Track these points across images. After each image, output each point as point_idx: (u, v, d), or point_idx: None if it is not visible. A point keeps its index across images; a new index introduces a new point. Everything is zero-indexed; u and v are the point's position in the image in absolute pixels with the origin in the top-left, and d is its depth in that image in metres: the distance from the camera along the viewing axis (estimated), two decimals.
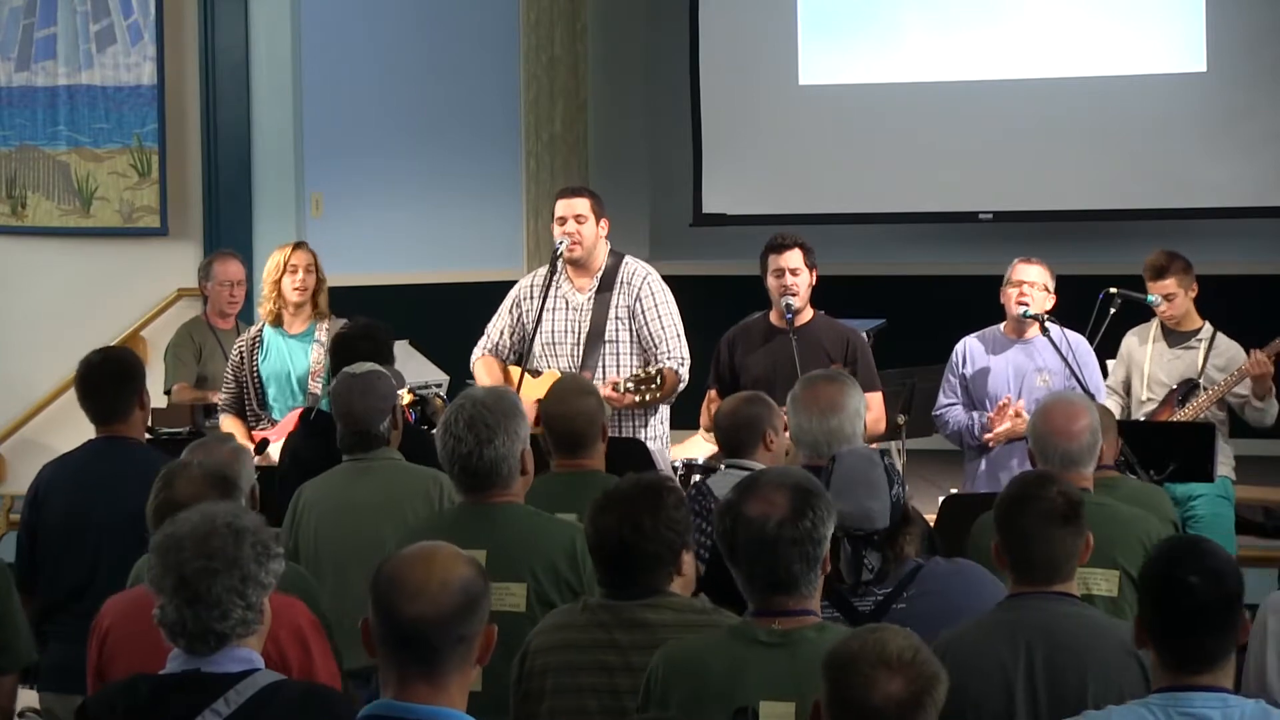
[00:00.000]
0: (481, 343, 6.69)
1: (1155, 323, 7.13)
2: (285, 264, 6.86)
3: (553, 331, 6.52)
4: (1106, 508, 4.51)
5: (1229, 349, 7.04)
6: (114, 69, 9.37)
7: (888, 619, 3.72)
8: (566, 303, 6.54)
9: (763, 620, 3.35)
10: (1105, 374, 7.03)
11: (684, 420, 6.95)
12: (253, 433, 6.73)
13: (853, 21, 10.62)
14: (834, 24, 10.65)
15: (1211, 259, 8.80)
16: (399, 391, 5.45)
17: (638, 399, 6.19)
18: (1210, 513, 6.79)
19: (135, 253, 9.46)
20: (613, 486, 3.77)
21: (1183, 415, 6.92)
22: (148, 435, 5.54)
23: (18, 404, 9.48)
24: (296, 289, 6.85)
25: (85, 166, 9.47)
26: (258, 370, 6.87)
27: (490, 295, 6.83)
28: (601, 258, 6.56)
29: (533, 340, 6.47)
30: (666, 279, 6.66)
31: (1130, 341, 7.19)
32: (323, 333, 6.87)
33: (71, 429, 6.89)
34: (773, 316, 6.58)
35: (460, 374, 6.81)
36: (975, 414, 6.70)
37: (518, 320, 6.62)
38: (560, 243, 6.45)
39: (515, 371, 6.57)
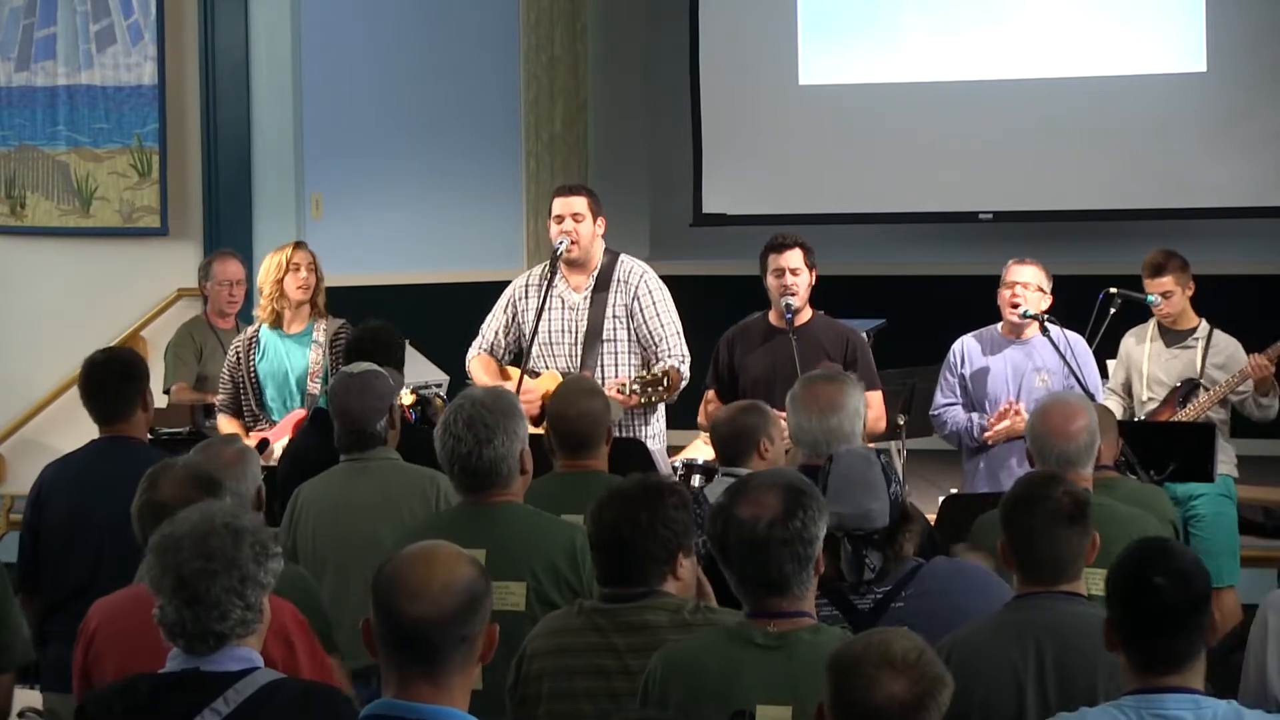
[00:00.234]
0: (477, 342, 6.69)
1: (1152, 323, 7.13)
2: (288, 263, 6.87)
3: (549, 331, 6.52)
4: (1106, 508, 4.50)
5: (1227, 346, 7.04)
6: (114, 69, 9.37)
7: (886, 618, 3.73)
8: (563, 302, 6.53)
9: (757, 622, 3.35)
10: (1105, 374, 7.03)
11: (683, 420, 6.95)
12: (251, 433, 6.72)
13: (853, 21, 10.62)
14: (834, 24, 10.65)
15: (1211, 259, 8.81)
16: (400, 392, 5.46)
17: (643, 400, 6.20)
18: (1212, 511, 6.79)
19: (135, 253, 9.46)
20: (618, 484, 3.78)
21: (1184, 416, 6.92)
22: (147, 435, 5.54)
23: (18, 404, 9.48)
24: (299, 288, 6.86)
25: (85, 166, 9.47)
26: (255, 370, 6.87)
27: (490, 295, 6.83)
28: (597, 257, 6.56)
29: (532, 340, 6.46)
30: (666, 279, 6.67)
31: (1128, 343, 7.19)
32: (320, 332, 6.87)
33: (71, 429, 6.91)
34: (772, 316, 6.58)
35: (461, 374, 6.82)
36: (974, 415, 6.70)
37: (513, 319, 6.62)
38: (560, 243, 6.45)
39: (513, 370, 6.57)
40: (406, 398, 6.15)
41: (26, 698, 4.78)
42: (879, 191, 10.50)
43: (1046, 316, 6.61)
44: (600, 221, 6.53)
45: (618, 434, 5.24)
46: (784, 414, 4.81)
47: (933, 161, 10.35)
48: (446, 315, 8.06)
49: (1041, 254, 6.87)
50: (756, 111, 10.71)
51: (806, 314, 6.51)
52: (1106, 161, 10.13)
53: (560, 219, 6.48)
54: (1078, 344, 6.67)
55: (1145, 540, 3.30)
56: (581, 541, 3.98)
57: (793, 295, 6.42)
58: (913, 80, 10.44)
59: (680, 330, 6.50)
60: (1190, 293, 7.06)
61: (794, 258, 6.45)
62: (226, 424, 6.85)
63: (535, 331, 6.47)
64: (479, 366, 6.62)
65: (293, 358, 6.87)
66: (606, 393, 5.19)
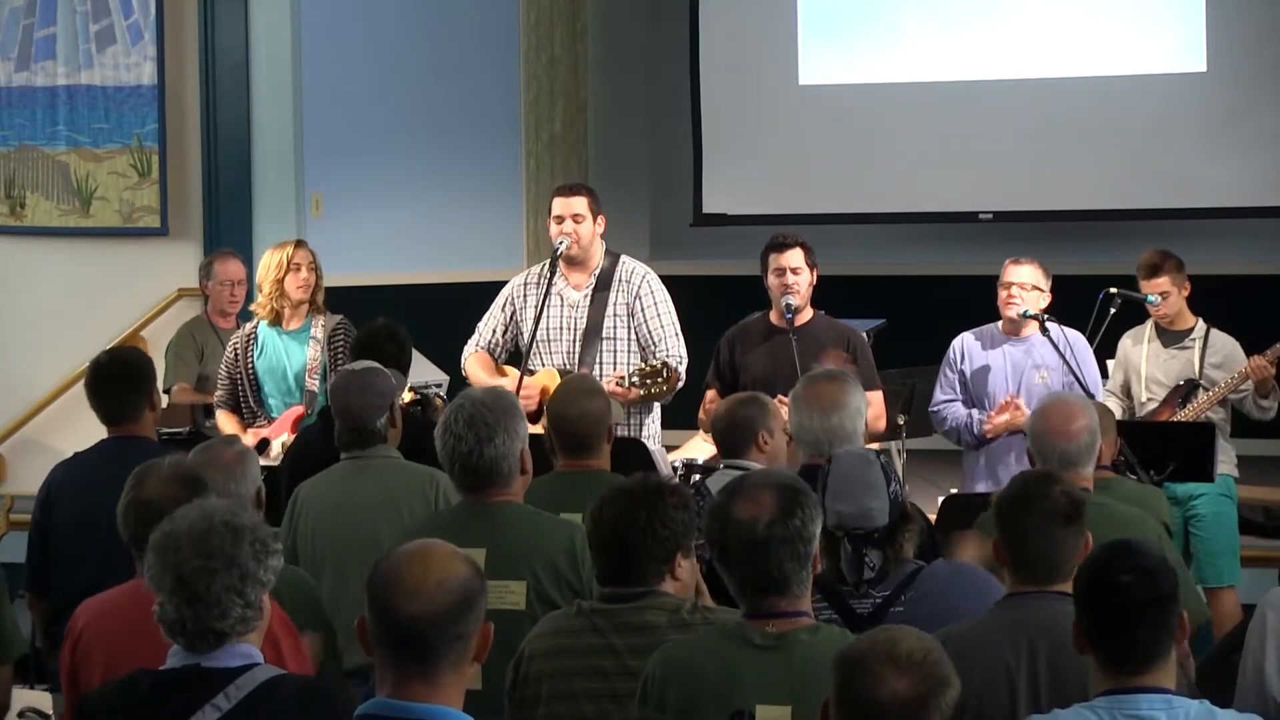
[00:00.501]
0: (473, 340, 6.69)
1: (1149, 323, 7.13)
2: (288, 262, 6.87)
3: (548, 328, 6.51)
4: (1104, 508, 4.51)
5: (1225, 345, 7.04)
6: (114, 69, 9.37)
7: (885, 623, 3.72)
8: (562, 299, 6.53)
9: (756, 623, 3.35)
10: (1105, 373, 7.03)
11: (682, 420, 6.95)
12: (250, 430, 6.72)
13: (853, 21, 10.62)
14: (834, 24, 10.65)
15: (1211, 259, 8.82)
16: (400, 392, 5.46)
17: (643, 393, 6.20)
18: (1213, 511, 6.80)
19: (135, 253, 9.46)
20: (618, 484, 3.78)
21: (1183, 416, 6.92)
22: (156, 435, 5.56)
23: (18, 404, 9.47)
24: (300, 287, 6.87)
25: (85, 166, 9.47)
26: (253, 367, 6.87)
27: (490, 295, 6.83)
28: (598, 255, 6.55)
29: (532, 338, 6.46)
30: (666, 279, 6.67)
31: (1125, 344, 7.19)
32: (319, 329, 6.88)
33: (72, 429, 6.92)
34: (773, 316, 6.58)
35: (461, 374, 6.82)
36: (974, 411, 6.71)
37: (510, 318, 6.62)
38: (560, 243, 6.45)
39: (510, 369, 6.57)
40: (406, 397, 6.14)
41: (33, 698, 4.79)
42: (879, 191, 10.50)
43: (1045, 316, 6.61)
44: (600, 220, 6.53)
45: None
46: (785, 400, 4.81)
47: (933, 161, 10.35)
48: (446, 315, 8.05)
49: (1041, 254, 6.87)
50: (756, 111, 10.72)
51: (807, 314, 6.51)
52: (1106, 161, 10.13)
53: (560, 219, 6.48)
54: (1077, 341, 6.67)
55: (1113, 540, 3.28)
56: (581, 541, 3.98)
57: (793, 295, 6.42)
58: (913, 80, 10.44)
59: (679, 332, 6.50)
60: (1186, 293, 7.06)
61: (795, 257, 6.45)
62: (225, 420, 6.85)
63: (535, 330, 6.46)
64: (475, 364, 6.62)
65: (291, 354, 6.88)
66: (606, 387, 5.19)
